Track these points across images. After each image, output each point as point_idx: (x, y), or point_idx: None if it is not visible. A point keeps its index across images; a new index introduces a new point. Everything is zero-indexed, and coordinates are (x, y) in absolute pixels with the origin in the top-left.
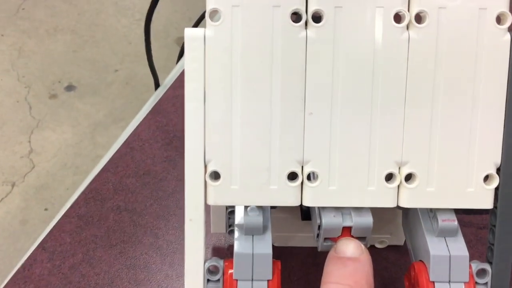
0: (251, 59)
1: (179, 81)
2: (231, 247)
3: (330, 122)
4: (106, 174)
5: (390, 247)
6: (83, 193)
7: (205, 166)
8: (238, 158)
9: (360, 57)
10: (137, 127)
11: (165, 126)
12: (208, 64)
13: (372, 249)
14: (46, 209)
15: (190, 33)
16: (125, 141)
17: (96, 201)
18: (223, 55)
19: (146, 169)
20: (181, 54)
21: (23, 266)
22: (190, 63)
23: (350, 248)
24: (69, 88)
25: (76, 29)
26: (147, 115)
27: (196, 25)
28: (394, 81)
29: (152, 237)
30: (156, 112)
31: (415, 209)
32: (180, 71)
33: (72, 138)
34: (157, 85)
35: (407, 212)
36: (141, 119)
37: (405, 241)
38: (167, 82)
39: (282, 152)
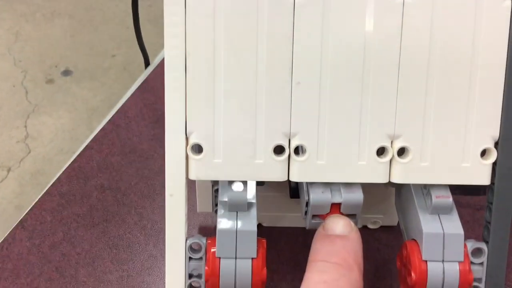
0: (235, 25)
1: None
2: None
3: (318, 92)
4: (90, 152)
5: (383, 228)
6: (65, 171)
7: (187, 139)
8: (221, 130)
9: (352, 23)
10: (124, 104)
11: (153, 104)
12: (189, 30)
13: (364, 229)
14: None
15: None
16: (110, 119)
17: (79, 179)
18: (205, 20)
19: (132, 147)
20: None
21: (1, 245)
22: (169, 29)
23: (339, 225)
24: (66, 73)
25: (73, 14)
26: (135, 92)
27: None
28: (387, 48)
29: (136, 217)
30: (144, 90)
31: (408, 185)
32: None
33: (68, 123)
34: (147, 64)
35: (399, 189)
36: (128, 96)
37: (398, 222)
38: (156, 60)
39: (267, 124)
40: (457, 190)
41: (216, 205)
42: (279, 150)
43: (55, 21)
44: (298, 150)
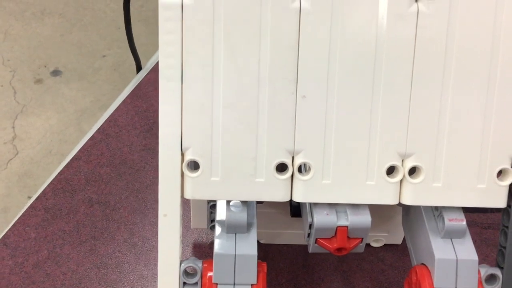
0: (236, 32)
1: None
2: (213, 244)
3: (325, 106)
4: (77, 163)
5: (387, 247)
6: (51, 183)
7: (182, 155)
8: (220, 145)
9: (362, 31)
10: (114, 112)
11: (145, 111)
12: (186, 36)
13: (367, 248)
14: (29, 197)
15: (165, 0)
16: (100, 127)
17: (65, 193)
18: (203, 26)
19: (123, 158)
20: None
21: None
22: (165, 35)
23: None
24: (55, 73)
25: (64, 13)
26: (126, 99)
27: None
28: (399, 59)
29: (126, 233)
30: (136, 96)
31: (418, 206)
32: None
33: (57, 124)
34: (139, 68)
35: (408, 210)
36: (118, 103)
37: (403, 240)
38: (149, 65)
39: (270, 140)
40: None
41: (212, 221)
42: (281, 168)
43: (45, 20)
44: (302, 168)
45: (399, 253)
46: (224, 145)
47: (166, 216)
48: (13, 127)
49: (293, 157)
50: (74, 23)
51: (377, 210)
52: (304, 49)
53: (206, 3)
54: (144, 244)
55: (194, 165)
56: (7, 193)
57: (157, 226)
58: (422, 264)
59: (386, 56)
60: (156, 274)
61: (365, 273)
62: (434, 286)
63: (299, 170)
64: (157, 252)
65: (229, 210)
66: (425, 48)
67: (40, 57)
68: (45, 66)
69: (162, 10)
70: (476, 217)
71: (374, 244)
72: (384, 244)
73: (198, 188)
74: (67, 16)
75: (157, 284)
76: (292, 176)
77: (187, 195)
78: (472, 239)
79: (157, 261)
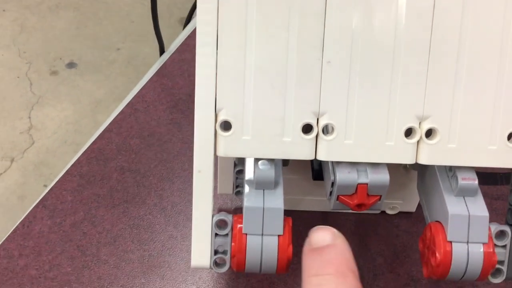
0: (268, 2)
1: (185, 45)
2: (237, 209)
3: (349, 71)
4: (109, 134)
5: (401, 214)
6: (85, 152)
7: (216, 116)
8: (251, 107)
9: (384, 3)
10: (142, 89)
11: (171, 88)
12: (222, 5)
13: (383, 215)
14: (45, 185)
15: None
16: (129, 102)
17: (98, 161)
18: None
19: (151, 131)
20: (187, 22)
21: (22, 223)
22: (202, 5)
23: (321, 236)
24: (70, 65)
25: (78, 6)
26: (152, 77)
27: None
28: (418, 30)
29: (156, 198)
30: (162, 75)
31: (433, 168)
32: (186, 36)
33: (72, 115)
34: (162, 51)
35: (423, 172)
36: (146, 81)
37: (417, 208)
38: (172, 48)
39: (297, 103)
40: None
41: (237, 186)
42: (307, 128)
43: (60, 13)
44: (325, 130)
45: (413, 219)
46: (255, 106)
47: (201, 172)
48: (29, 118)
49: (318, 119)
50: (89, 17)
51: (392, 179)
52: (330, 18)
53: None
54: (173, 208)
55: (226, 125)
56: (24, 182)
57: (185, 192)
58: (437, 221)
59: (406, 26)
60: (185, 235)
61: (380, 237)
62: (448, 239)
63: (323, 131)
64: (185, 215)
65: (258, 168)
66: (442, 17)
67: (56, 50)
68: (61, 59)
69: None
70: (486, 189)
71: (389, 212)
72: (399, 212)
73: (230, 146)
74: (82, 9)
75: (185, 244)
76: (316, 136)
77: (220, 153)
78: None
79: (185, 223)
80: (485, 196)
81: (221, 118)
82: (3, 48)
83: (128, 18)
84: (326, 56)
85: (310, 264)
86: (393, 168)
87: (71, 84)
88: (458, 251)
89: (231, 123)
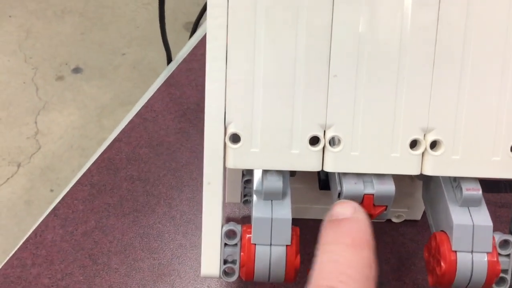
0: (276, 17)
1: (193, 55)
2: (245, 218)
3: (354, 85)
4: (118, 144)
5: (407, 222)
6: (95, 162)
7: (225, 128)
8: (260, 120)
9: (389, 17)
10: (150, 98)
11: (179, 98)
12: (231, 21)
13: (388, 223)
14: (51, 190)
15: None
16: (138, 112)
17: (109, 170)
18: (247, 11)
19: (160, 140)
20: (193, 30)
21: (34, 232)
22: (212, 21)
23: (343, 209)
24: (76, 70)
25: (84, 12)
26: (161, 86)
27: (204, 9)
28: (423, 43)
29: (165, 207)
30: (169, 85)
31: (438, 178)
32: (193, 46)
33: (78, 120)
34: (169, 60)
35: (428, 182)
36: (154, 91)
37: (422, 216)
38: (179, 57)
39: (304, 115)
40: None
41: (245, 195)
42: (314, 140)
43: (65, 18)
44: (332, 142)
45: (418, 228)
46: (263, 119)
47: (210, 184)
48: (36, 123)
49: (324, 131)
50: (94, 22)
51: (398, 187)
52: (336, 32)
53: None
54: (182, 217)
55: (235, 138)
56: (30, 186)
57: (194, 201)
58: (442, 231)
59: (410, 39)
60: (194, 243)
61: (387, 245)
62: (452, 249)
63: (330, 142)
64: (194, 224)
65: (266, 180)
66: (446, 31)
67: (61, 55)
68: (66, 64)
69: None
70: (490, 196)
71: (395, 220)
72: (405, 220)
73: (239, 158)
74: (87, 15)
75: (195, 252)
76: (323, 148)
77: (229, 165)
78: None
79: (195, 232)
80: (489, 203)
81: (231, 131)
82: (9, 54)
83: (133, 23)
84: (333, 70)
85: (328, 233)
86: (398, 177)
87: (76, 89)
88: (463, 260)
89: (240, 136)
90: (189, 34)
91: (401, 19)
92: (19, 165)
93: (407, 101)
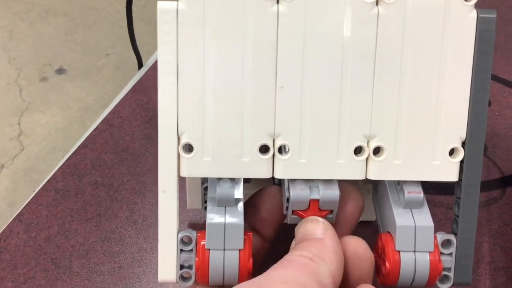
0: (223, 33)
1: None
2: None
3: (301, 96)
4: (84, 150)
5: (363, 223)
6: (60, 167)
7: (178, 139)
8: (211, 130)
9: (331, 32)
10: (117, 105)
11: (145, 104)
12: (181, 37)
13: None
14: (34, 191)
15: (162, 6)
16: (104, 118)
17: (73, 176)
18: (195, 28)
19: (125, 146)
20: None
21: None
22: (162, 37)
23: (313, 228)
24: (60, 71)
25: (68, 12)
26: (128, 93)
27: None
28: (363, 56)
29: (128, 212)
30: (137, 91)
31: (384, 182)
32: None
33: (62, 121)
34: (140, 65)
35: (376, 186)
36: (121, 97)
37: (377, 217)
38: (149, 62)
39: (253, 125)
40: (431, 190)
41: (205, 202)
42: (264, 149)
43: (49, 19)
44: (282, 149)
45: (373, 228)
46: (214, 130)
47: (165, 192)
48: (19, 124)
49: (273, 140)
50: (78, 23)
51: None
52: (282, 47)
53: (198, 8)
54: (144, 221)
55: (188, 148)
56: (14, 188)
57: (156, 206)
58: (387, 232)
59: (352, 53)
60: (154, 247)
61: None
62: (396, 249)
63: (279, 150)
64: (155, 228)
65: (219, 187)
66: (385, 45)
67: (45, 56)
68: (50, 65)
69: (160, 14)
70: (442, 198)
71: None
72: (360, 221)
73: (192, 167)
74: (71, 15)
75: (155, 255)
76: (273, 156)
77: (183, 174)
78: (439, 217)
79: (155, 236)
80: (441, 205)
81: (183, 141)
82: None
83: (117, 23)
84: (280, 82)
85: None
86: (352, 180)
87: (60, 90)
88: (406, 259)
89: (193, 146)
90: None
91: (343, 34)
92: (2, 167)
93: (351, 110)
